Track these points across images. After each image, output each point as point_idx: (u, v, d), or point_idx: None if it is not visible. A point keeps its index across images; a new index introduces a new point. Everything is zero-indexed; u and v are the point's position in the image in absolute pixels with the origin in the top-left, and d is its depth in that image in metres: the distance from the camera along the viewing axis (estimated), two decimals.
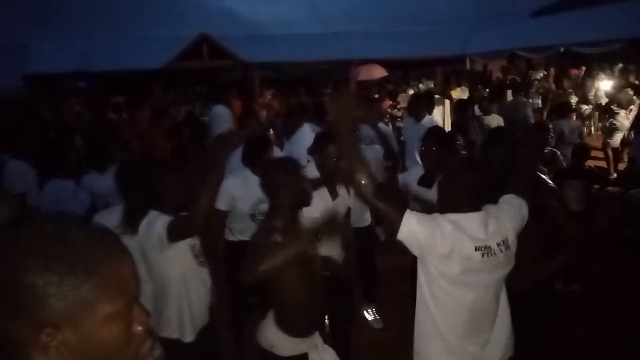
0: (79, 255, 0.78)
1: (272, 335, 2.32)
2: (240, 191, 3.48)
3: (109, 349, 0.81)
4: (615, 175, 7.60)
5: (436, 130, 3.92)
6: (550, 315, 2.87)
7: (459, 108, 6.89)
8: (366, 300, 4.32)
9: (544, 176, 2.93)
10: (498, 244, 2.02)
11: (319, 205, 3.11)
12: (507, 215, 2.13)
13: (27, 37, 12.44)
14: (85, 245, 0.80)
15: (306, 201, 2.34)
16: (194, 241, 2.57)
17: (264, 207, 3.56)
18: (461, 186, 2.08)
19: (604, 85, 9.25)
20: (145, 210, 2.52)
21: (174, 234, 2.32)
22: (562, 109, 7.41)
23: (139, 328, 0.86)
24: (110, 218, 2.79)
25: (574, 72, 12.73)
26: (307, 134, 5.48)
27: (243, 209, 3.52)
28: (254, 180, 3.45)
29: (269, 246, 2.14)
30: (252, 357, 2.47)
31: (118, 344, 0.82)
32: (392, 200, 2.03)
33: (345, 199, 3.32)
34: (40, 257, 0.76)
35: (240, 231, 3.61)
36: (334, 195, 3.23)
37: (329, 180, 3.21)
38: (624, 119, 8.18)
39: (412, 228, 1.94)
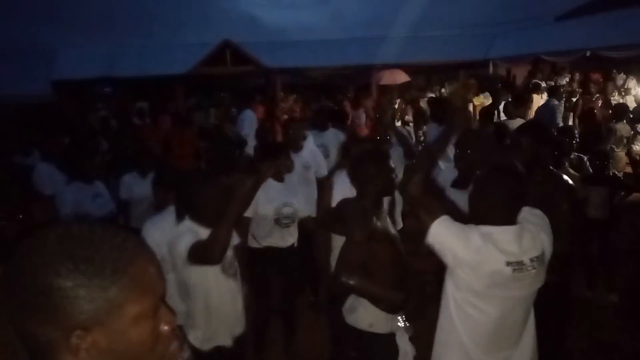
0: (106, 257, 0.79)
1: (369, 314, 2.36)
2: (262, 196, 3.45)
3: (138, 349, 0.82)
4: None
5: (470, 132, 3.90)
6: (565, 320, 2.81)
7: (483, 116, 6.83)
8: None
9: (566, 177, 2.88)
10: (532, 259, 1.94)
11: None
12: (544, 229, 2.05)
13: (55, 43, 12.71)
14: (111, 246, 0.81)
15: (390, 191, 2.56)
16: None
17: (288, 210, 3.62)
18: (493, 196, 2.00)
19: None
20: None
21: (193, 260, 2.36)
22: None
23: (166, 328, 0.87)
24: (165, 223, 2.78)
25: (596, 76, 12.51)
26: (332, 136, 5.55)
27: (266, 213, 3.54)
28: (273, 184, 3.48)
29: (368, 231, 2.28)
30: (347, 341, 2.48)
31: (146, 344, 0.83)
32: (431, 204, 2.03)
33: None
34: (68, 259, 0.77)
35: (264, 237, 3.63)
36: None
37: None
38: None
39: (442, 234, 1.93)
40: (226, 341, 2.57)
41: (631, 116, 7.74)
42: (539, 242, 1.98)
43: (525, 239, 1.95)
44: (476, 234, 1.92)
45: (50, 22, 12.38)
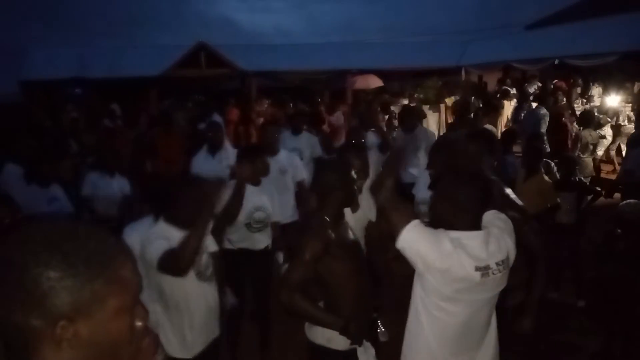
0: (92, 250, 0.82)
1: (327, 332, 2.29)
2: None
3: (117, 342, 0.84)
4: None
5: (445, 139, 3.96)
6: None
7: (459, 111, 6.91)
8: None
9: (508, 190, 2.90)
10: (497, 264, 1.96)
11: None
12: (508, 233, 2.07)
13: (25, 42, 12.43)
14: (96, 241, 0.83)
15: (351, 202, 2.52)
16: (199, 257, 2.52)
17: (259, 214, 3.60)
18: (457, 202, 2.00)
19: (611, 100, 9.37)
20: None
21: (163, 269, 2.33)
22: (584, 119, 7.54)
23: (140, 324, 0.90)
24: (142, 226, 2.71)
25: (560, 84, 12.86)
26: (306, 140, 5.57)
27: (239, 218, 3.50)
28: (247, 188, 3.46)
29: (316, 250, 2.24)
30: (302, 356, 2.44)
31: (124, 337, 0.86)
32: (402, 209, 2.03)
33: (365, 213, 3.25)
34: (56, 251, 0.79)
35: (237, 240, 3.61)
36: (353, 208, 3.12)
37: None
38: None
39: (413, 239, 1.93)
40: (201, 345, 2.54)
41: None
42: (504, 246, 2.01)
43: (491, 243, 1.97)
44: (446, 239, 1.93)
45: (20, 21, 12.11)
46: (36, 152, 5.20)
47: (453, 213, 2.01)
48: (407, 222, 1.95)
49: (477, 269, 1.91)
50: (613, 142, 8.74)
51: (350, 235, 2.50)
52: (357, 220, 3.15)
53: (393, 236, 1.98)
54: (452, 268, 1.90)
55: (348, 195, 2.44)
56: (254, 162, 3.55)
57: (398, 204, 2.04)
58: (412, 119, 6.07)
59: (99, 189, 4.52)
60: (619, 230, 3.89)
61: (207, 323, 2.59)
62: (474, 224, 2.00)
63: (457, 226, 1.98)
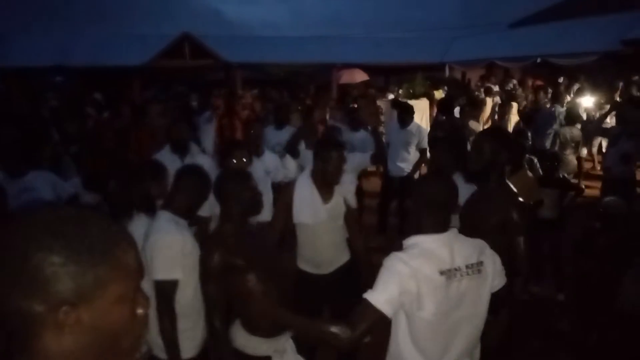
0: (95, 236, 0.81)
1: (239, 336, 2.35)
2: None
3: (118, 329, 0.85)
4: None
5: (448, 136, 3.94)
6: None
7: (444, 107, 6.96)
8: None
9: (514, 188, 2.90)
10: (468, 266, 1.91)
11: (308, 209, 3.15)
12: (491, 251, 2.02)
13: (4, 29, 12.13)
14: (99, 227, 0.83)
15: (256, 210, 2.48)
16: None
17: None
18: (422, 204, 1.98)
19: (586, 100, 9.51)
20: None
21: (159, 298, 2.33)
22: (567, 116, 7.65)
23: (141, 311, 0.90)
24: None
25: (538, 82, 13.06)
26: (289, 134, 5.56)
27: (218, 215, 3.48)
28: None
29: (215, 264, 2.28)
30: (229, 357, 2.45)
31: (126, 324, 0.86)
32: (359, 319, 1.86)
33: (340, 203, 3.27)
34: (60, 236, 0.79)
35: None
36: (326, 198, 3.21)
37: (325, 183, 3.18)
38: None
39: (391, 302, 1.84)
40: (194, 350, 2.51)
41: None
42: (476, 251, 1.96)
43: (459, 245, 1.94)
44: (400, 264, 1.87)
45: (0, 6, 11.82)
46: (14, 140, 5.07)
47: (419, 216, 2.00)
48: (370, 313, 1.83)
49: (442, 272, 1.87)
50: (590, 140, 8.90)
51: (261, 242, 2.53)
52: (330, 211, 3.19)
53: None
54: (420, 281, 1.85)
55: (251, 205, 2.43)
56: (227, 159, 3.56)
57: (355, 328, 1.85)
58: (408, 115, 6.14)
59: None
60: (599, 226, 4.01)
61: (196, 327, 2.54)
62: (440, 226, 1.96)
63: (424, 229, 1.96)
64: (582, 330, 4.05)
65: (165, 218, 2.44)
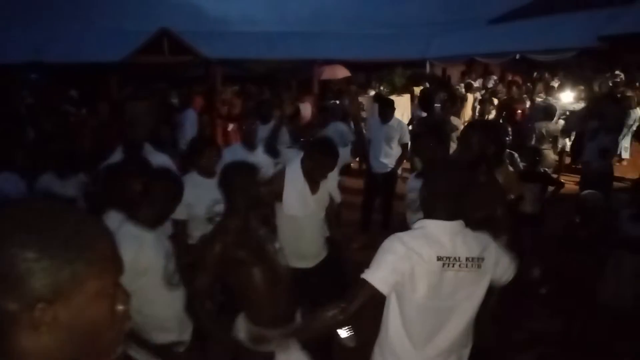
0: (70, 231, 0.78)
1: (243, 327, 2.37)
2: (192, 196, 3.22)
3: (97, 325, 0.82)
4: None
5: (435, 127, 3.96)
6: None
7: (424, 102, 6.96)
8: None
9: (499, 179, 2.94)
10: (468, 259, 1.93)
11: (298, 200, 3.13)
12: (496, 247, 2.04)
13: None
14: (75, 221, 0.80)
15: (262, 203, 2.53)
16: (166, 263, 2.39)
17: (220, 207, 3.49)
18: (434, 190, 2.01)
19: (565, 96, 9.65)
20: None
21: None
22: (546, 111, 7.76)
23: (121, 308, 0.87)
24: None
25: (517, 78, 13.24)
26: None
27: (199, 214, 3.39)
28: (202, 183, 3.39)
29: (213, 255, 2.26)
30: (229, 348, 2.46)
31: (105, 321, 0.83)
32: (354, 295, 1.92)
33: (326, 192, 3.31)
34: (33, 231, 0.75)
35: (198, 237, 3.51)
36: (314, 189, 3.22)
37: (313, 179, 3.19)
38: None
39: (386, 280, 1.88)
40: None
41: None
42: (481, 247, 1.98)
43: (464, 237, 1.96)
44: (398, 244, 1.91)
45: None
46: None
47: (430, 202, 2.02)
48: (366, 289, 1.88)
49: (439, 258, 1.89)
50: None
51: (265, 238, 2.50)
52: (317, 201, 3.19)
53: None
54: (414, 263, 1.88)
55: (255, 199, 2.43)
56: (201, 155, 3.50)
57: (349, 308, 1.92)
58: (390, 110, 6.14)
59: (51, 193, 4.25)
60: (578, 219, 4.06)
61: (177, 327, 2.47)
62: (450, 215, 1.98)
63: (434, 215, 1.99)
64: (563, 322, 4.09)
65: (124, 231, 2.24)
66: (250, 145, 4.48)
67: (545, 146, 7.30)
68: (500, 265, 2.04)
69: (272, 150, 4.43)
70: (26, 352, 0.77)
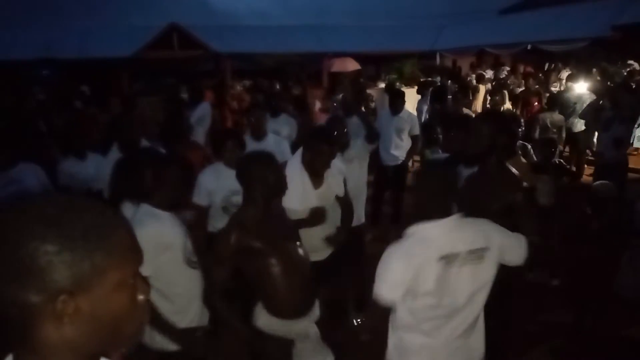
0: (89, 223, 0.79)
1: (261, 317, 2.38)
2: (214, 184, 3.46)
3: (118, 316, 0.83)
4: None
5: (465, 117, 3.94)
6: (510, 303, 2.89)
7: (437, 95, 6.90)
8: (356, 308, 4.08)
9: (513, 169, 2.91)
10: (471, 252, 1.93)
11: (299, 193, 3.13)
12: (499, 231, 2.05)
13: None
14: (93, 213, 0.81)
15: (281, 193, 2.46)
16: (185, 242, 2.45)
17: (237, 199, 3.53)
18: (424, 190, 2.03)
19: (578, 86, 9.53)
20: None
21: None
22: (550, 101, 7.67)
23: (142, 297, 0.88)
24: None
25: (528, 69, 13.10)
26: (284, 122, 5.53)
27: (216, 201, 3.48)
28: (224, 172, 3.43)
29: (230, 245, 2.27)
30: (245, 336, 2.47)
31: (126, 311, 0.84)
32: (372, 313, 2.02)
33: (331, 188, 3.31)
34: (53, 224, 0.76)
35: (216, 225, 3.52)
36: (317, 184, 3.23)
37: (315, 171, 3.20)
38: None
39: (393, 295, 1.91)
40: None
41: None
42: (484, 238, 1.98)
43: (461, 230, 1.96)
44: (395, 254, 1.93)
45: None
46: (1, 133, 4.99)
47: (421, 206, 2.04)
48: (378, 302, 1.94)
49: (441, 257, 1.89)
50: None
51: (285, 226, 2.52)
52: (320, 196, 3.19)
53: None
54: (418, 268, 1.88)
55: (274, 189, 2.40)
56: (224, 147, 3.53)
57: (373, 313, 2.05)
58: (400, 101, 6.10)
59: (74, 176, 4.34)
60: (590, 211, 4.01)
61: (198, 309, 2.51)
62: (442, 212, 1.98)
63: (426, 216, 1.98)
64: (577, 315, 4.06)
65: (143, 211, 2.37)
66: (257, 135, 4.49)
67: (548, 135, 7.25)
68: (507, 248, 2.03)
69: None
70: (50, 343, 0.79)
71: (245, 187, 2.43)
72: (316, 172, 3.20)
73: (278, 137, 4.85)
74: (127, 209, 2.49)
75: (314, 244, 3.25)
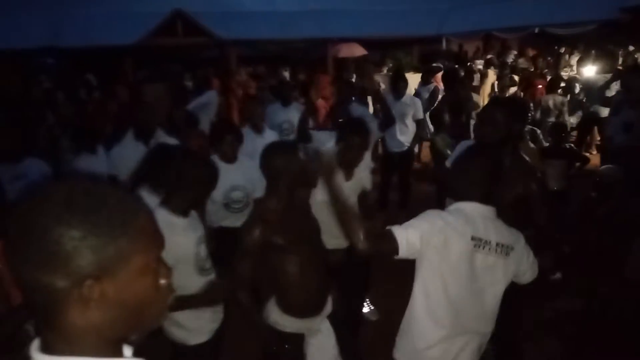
0: (113, 208, 0.81)
1: (273, 313, 2.37)
2: None
3: (143, 300, 0.85)
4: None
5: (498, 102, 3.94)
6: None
7: (447, 80, 6.82)
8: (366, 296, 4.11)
9: (525, 156, 2.89)
10: (498, 244, 1.95)
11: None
12: (525, 245, 2.07)
13: None
14: (117, 199, 0.82)
15: (305, 185, 2.40)
16: (198, 250, 2.38)
17: (237, 194, 3.49)
18: (470, 174, 2.01)
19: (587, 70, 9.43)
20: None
21: None
22: (552, 84, 7.62)
23: (164, 281, 0.90)
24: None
25: (533, 53, 12.96)
26: (296, 111, 5.49)
27: (216, 198, 3.39)
28: (222, 168, 3.38)
29: (254, 240, 2.22)
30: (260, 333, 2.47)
31: (150, 295, 0.86)
32: (379, 238, 1.94)
33: (360, 182, 3.30)
34: (78, 210, 0.78)
35: (218, 220, 3.50)
36: (348, 176, 3.21)
37: (347, 164, 3.18)
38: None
39: (408, 242, 1.88)
40: (207, 336, 2.48)
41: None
42: (511, 238, 2.00)
43: (495, 222, 1.99)
44: (437, 218, 1.94)
45: None
46: (7, 125, 4.97)
47: (463, 186, 2.03)
48: (392, 240, 1.88)
49: (473, 238, 1.91)
50: None
51: (309, 221, 2.46)
52: (350, 189, 3.17)
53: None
54: (449, 236, 1.90)
55: (297, 179, 2.32)
56: (222, 141, 3.49)
57: (373, 242, 1.94)
58: (402, 83, 6.06)
59: (89, 170, 4.32)
60: (595, 195, 3.98)
61: (212, 313, 2.50)
62: (484, 199, 2.00)
63: (467, 197, 2.01)
64: (586, 301, 4.05)
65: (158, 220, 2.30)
66: (256, 127, 4.41)
67: (551, 119, 7.20)
68: (525, 261, 2.06)
69: (304, 134, 4.40)
70: (77, 327, 0.80)
71: (268, 177, 2.36)
72: (349, 164, 3.17)
73: (281, 130, 4.79)
74: (144, 197, 2.47)
75: (336, 232, 3.25)
